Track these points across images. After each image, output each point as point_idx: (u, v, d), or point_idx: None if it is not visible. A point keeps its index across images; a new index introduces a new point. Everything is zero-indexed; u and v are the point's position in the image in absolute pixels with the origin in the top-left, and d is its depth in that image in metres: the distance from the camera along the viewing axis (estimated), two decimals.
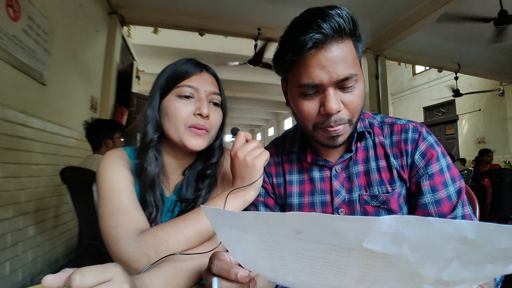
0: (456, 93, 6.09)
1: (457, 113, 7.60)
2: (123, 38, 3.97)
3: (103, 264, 0.34)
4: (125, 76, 3.83)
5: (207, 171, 0.71)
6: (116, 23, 3.56)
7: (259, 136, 18.07)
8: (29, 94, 2.02)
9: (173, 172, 0.72)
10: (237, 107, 11.31)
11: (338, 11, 0.53)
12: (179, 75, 0.67)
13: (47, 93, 2.21)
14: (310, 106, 0.58)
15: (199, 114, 0.64)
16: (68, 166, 1.77)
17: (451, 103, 7.62)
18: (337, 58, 0.53)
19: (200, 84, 0.67)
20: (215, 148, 0.72)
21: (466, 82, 6.41)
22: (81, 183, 1.58)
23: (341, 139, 0.60)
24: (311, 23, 0.52)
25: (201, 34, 3.94)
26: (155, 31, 4.65)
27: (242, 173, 0.61)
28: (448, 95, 6.80)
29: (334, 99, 0.55)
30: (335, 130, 0.58)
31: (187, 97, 0.65)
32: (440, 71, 6.16)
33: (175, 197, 0.71)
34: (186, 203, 0.69)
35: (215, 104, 0.69)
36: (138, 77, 5.06)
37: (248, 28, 3.97)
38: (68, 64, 2.57)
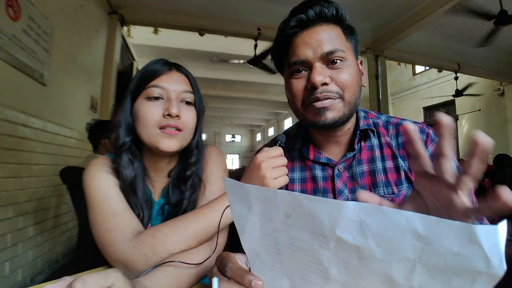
0: (456, 93, 6.09)
1: (457, 113, 7.59)
2: (123, 38, 3.97)
3: (104, 270, 0.34)
4: (125, 76, 3.82)
5: (187, 172, 0.68)
6: (116, 23, 3.56)
7: (259, 136, 18.08)
8: (29, 94, 2.02)
9: (158, 175, 0.71)
10: (237, 107, 11.31)
11: (324, 2, 0.59)
12: (147, 76, 0.65)
13: (47, 93, 2.21)
14: (299, 83, 0.61)
15: (168, 115, 0.62)
16: (68, 166, 1.77)
17: (451, 103, 7.62)
18: (321, 36, 0.58)
19: (169, 84, 0.64)
20: (193, 148, 0.69)
21: (466, 82, 6.40)
22: (81, 183, 1.58)
23: (330, 115, 0.58)
24: (299, 9, 0.60)
25: (201, 34, 3.93)
26: (155, 31, 4.65)
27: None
28: (448, 95, 6.80)
29: (319, 72, 0.57)
30: (322, 103, 0.58)
31: (156, 98, 0.63)
32: (440, 71, 6.15)
33: (163, 201, 0.70)
34: (172, 207, 0.68)
35: (188, 103, 0.66)
36: None
37: (248, 28, 3.97)
38: (68, 64, 2.57)
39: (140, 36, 4.78)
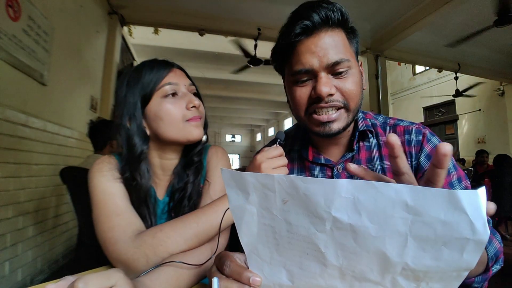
0: (456, 93, 6.09)
1: (457, 113, 7.59)
2: (123, 38, 3.97)
3: (106, 270, 0.34)
4: None
5: (194, 158, 0.71)
6: (116, 23, 3.57)
7: (259, 136, 18.07)
8: (30, 94, 2.02)
9: (163, 174, 0.72)
10: (237, 107, 11.31)
11: (327, 5, 0.57)
12: (156, 78, 0.65)
13: (47, 93, 2.21)
14: (302, 92, 0.59)
15: (192, 107, 0.65)
16: (68, 166, 1.76)
17: (451, 103, 7.62)
18: (327, 44, 0.56)
19: (178, 79, 0.67)
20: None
21: (466, 82, 6.41)
22: (81, 183, 1.57)
23: (335, 126, 0.58)
24: (302, 14, 0.57)
25: (201, 34, 3.94)
26: (155, 31, 4.65)
27: None
28: (448, 95, 6.80)
29: (325, 82, 0.55)
30: (328, 116, 0.57)
31: (173, 94, 0.66)
32: (440, 71, 6.15)
33: (167, 199, 0.71)
34: (178, 193, 0.69)
35: (195, 94, 0.71)
36: None
37: (248, 28, 3.97)
38: (68, 64, 2.57)
39: (140, 36, 4.79)
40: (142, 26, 4.21)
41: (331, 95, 0.57)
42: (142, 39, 4.88)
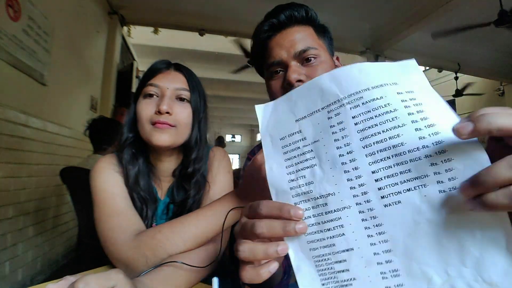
0: (456, 93, 6.09)
1: (457, 113, 7.53)
2: (123, 38, 3.97)
3: (106, 271, 0.35)
4: (125, 76, 3.82)
5: (188, 169, 0.69)
6: (116, 23, 3.56)
7: (259, 136, 18.05)
8: (30, 94, 2.02)
9: (164, 175, 0.72)
10: (237, 107, 11.31)
11: (294, 6, 0.64)
12: (147, 76, 0.68)
13: (47, 93, 2.21)
14: (276, 83, 0.64)
15: (159, 112, 0.63)
16: (68, 166, 1.76)
17: (451, 103, 7.62)
18: (294, 37, 0.62)
19: (164, 82, 0.66)
20: (192, 145, 0.70)
21: (466, 82, 6.40)
22: (81, 183, 1.57)
23: None
24: (270, 14, 0.64)
25: (201, 34, 3.94)
26: (155, 31, 4.65)
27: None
28: (448, 95, 6.79)
29: (293, 70, 0.60)
30: None
31: (151, 95, 0.66)
32: (440, 71, 6.15)
33: (168, 200, 0.71)
34: (178, 205, 0.69)
35: (182, 99, 0.67)
36: (138, 77, 5.04)
37: (248, 28, 3.93)
38: (68, 64, 2.57)
39: (140, 36, 4.78)
40: (142, 26, 4.21)
41: (301, 81, 0.59)
42: (142, 39, 4.88)
